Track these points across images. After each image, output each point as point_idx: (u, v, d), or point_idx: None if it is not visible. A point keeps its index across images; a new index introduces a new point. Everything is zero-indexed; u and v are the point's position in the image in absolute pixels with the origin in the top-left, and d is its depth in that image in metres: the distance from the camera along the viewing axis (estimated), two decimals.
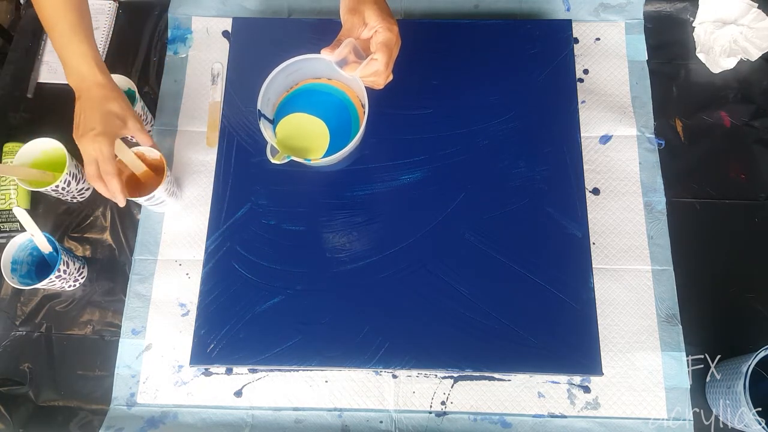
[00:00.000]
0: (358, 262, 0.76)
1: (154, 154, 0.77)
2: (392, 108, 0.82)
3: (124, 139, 0.75)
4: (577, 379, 0.74)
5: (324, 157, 0.76)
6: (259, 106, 0.74)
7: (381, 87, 0.72)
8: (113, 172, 0.68)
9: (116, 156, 0.71)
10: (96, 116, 0.69)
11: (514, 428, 0.73)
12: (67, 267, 0.75)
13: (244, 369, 0.76)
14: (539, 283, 0.75)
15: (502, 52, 0.86)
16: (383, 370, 0.74)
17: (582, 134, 0.83)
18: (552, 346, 0.72)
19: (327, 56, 0.69)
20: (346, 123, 0.79)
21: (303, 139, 0.78)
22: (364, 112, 0.73)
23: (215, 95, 0.89)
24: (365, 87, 0.72)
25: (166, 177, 0.75)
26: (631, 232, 0.80)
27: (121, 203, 0.71)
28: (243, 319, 0.74)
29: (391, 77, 0.71)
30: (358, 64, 0.69)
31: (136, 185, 0.79)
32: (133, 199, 0.75)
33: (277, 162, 0.72)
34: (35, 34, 0.94)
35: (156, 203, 0.78)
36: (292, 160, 0.73)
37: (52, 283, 0.74)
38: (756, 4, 0.88)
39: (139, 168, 0.77)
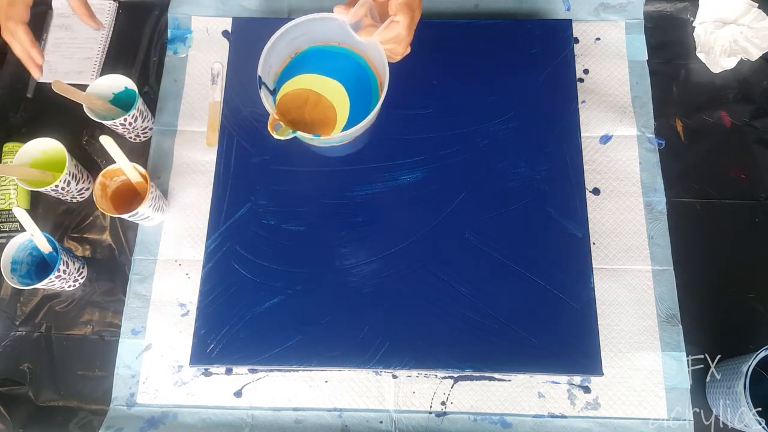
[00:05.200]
0: (358, 262, 0.76)
1: (141, 170, 0.77)
2: (392, 108, 0.82)
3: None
4: (577, 379, 0.74)
5: (342, 131, 0.64)
6: (259, 72, 0.65)
7: (399, 58, 0.63)
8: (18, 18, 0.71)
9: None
10: None
11: (514, 428, 0.73)
12: (67, 267, 0.75)
13: (244, 369, 0.76)
14: (539, 283, 0.75)
15: (502, 52, 0.86)
16: (383, 370, 0.74)
17: (582, 134, 0.83)
18: (552, 346, 0.72)
19: (341, 16, 0.60)
20: (365, 90, 0.68)
21: (313, 106, 0.68)
22: (385, 83, 0.63)
23: (215, 95, 0.89)
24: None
25: (149, 194, 0.75)
26: (631, 232, 0.80)
27: (35, 74, 0.77)
28: (243, 319, 0.74)
29: (409, 50, 0.63)
30: (375, 27, 0.61)
31: (126, 197, 0.80)
32: (117, 215, 0.76)
33: (281, 138, 0.63)
34: (35, 34, 0.93)
35: (141, 218, 0.78)
36: (299, 138, 0.64)
37: (51, 283, 0.74)
38: (756, 4, 0.88)
39: (135, 176, 0.78)
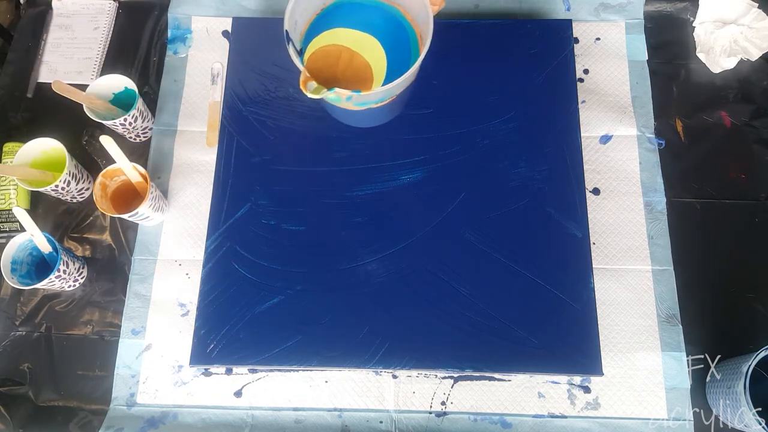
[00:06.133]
0: (358, 262, 0.76)
1: (141, 170, 0.77)
2: None
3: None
4: (577, 379, 0.74)
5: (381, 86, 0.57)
6: (286, 26, 0.60)
7: (437, 9, 0.57)
8: None
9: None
10: None
11: (514, 428, 0.73)
12: (67, 267, 0.75)
13: (244, 369, 0.76)
14: (539, 283, 0.75)
15: (502, 52, 0.86)
16: (383, 370, 0.74)
17: (582, 134, 0.83)
18: (552, 346, 0.72)
19: None
20: (403, 45, 0.61)
21: (347, 64, 0.61)
22: (428, 32, 0.57)
23: (215, 95, 0.89)
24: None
25: (149, 194, 0.75)
26: (631, 232, 0.80)
27: None
28: (243, 319, 0.74)
29: (444, 2, 0.58)
30: None
31: (126, 197, 0.80)
32: (117, 215, 0.76)
33: (315, 96, 0.58)
34: (35, 34, 0.94)
35: (141, 218, 0.78)
36: (331, 100, 0.58)
37: (51, 283, 0.74)
38: (756, 4, 0.88)
39: (135, 176, 0.78)
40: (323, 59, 0.62)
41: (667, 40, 0.91)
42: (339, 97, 0.59)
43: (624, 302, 0.77)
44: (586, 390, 0.74)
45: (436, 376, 0.75)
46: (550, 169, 0.79)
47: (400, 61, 0.61)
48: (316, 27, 0.64)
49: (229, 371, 0.76)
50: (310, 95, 0.57)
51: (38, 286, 0.73)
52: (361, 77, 0.62)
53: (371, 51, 0.62)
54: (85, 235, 0.83)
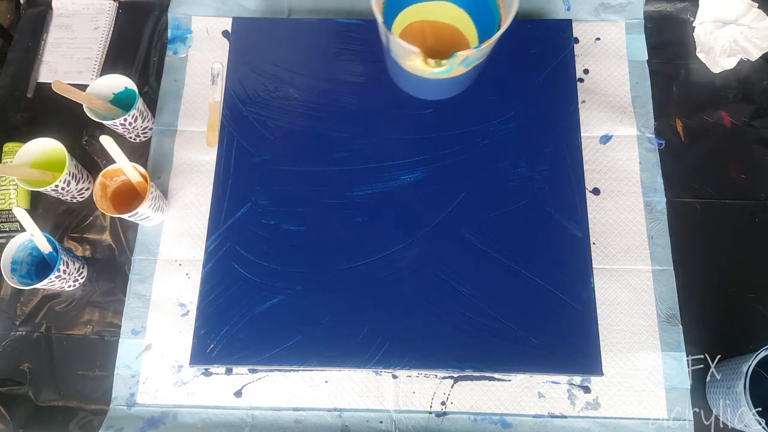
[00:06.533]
0: (358, 262, 0.76)
1: (141, 170, 0.77)
2: (392, 108, 0.82)
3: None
4: (577, 379, 0.74)
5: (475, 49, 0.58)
6: (380, 20, 0.59)
7: None
8: None
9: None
10: None
11: (514, 428, 0.73)
12: (67, 267, 0.75)
13: (244, 369, 0.76)
14: (539, 283, 0.75)
15: (502, 52, 0.85)
16: (383, 370, 0.74)
17: (582, 134, 0.83)
18: (552, 346, 0.72)
19: None
20: (481, 4, 0.60)
21: (435, 35, 0.62)
22: None
23: (215, 95, 0.89)
24: None
25: (149, 194, 0.75)
26: (631, 232, 0.80)
27: None
28: (243, 319, 0.74)
29: None
30: None
31: (126, 197, 0.80)
32: (117, 215, 0.76)
33: (440, 69, 0.57)
34: (35, 34, 0.94)
35: (141, 218, 0.78)
36: (440, 72, 0.58)
37: (51, 283, 0.74)
38: (756, 4, 0.88)
39: (135, 176, 0.78)
40: (410, 39, 0.62)
41: (667, 40, 0.91)
42: (452, 66, 0.58)
43: (624, 302, 0.77)
44: (586, 390, 0.74)
45: (436, 376, 0.75)
46: (550, 169, 0.79)
47: (485, 14, 0.61)
48: (389, 13, 0.64)
49: (229, 371, 0.76)
50: (436, 70, 0.57)
51: (38, 286, 0.73)
52: (455, 41, 0.63)
53: (451, 14, 0.62)
54: (85, 235, 0.83)
